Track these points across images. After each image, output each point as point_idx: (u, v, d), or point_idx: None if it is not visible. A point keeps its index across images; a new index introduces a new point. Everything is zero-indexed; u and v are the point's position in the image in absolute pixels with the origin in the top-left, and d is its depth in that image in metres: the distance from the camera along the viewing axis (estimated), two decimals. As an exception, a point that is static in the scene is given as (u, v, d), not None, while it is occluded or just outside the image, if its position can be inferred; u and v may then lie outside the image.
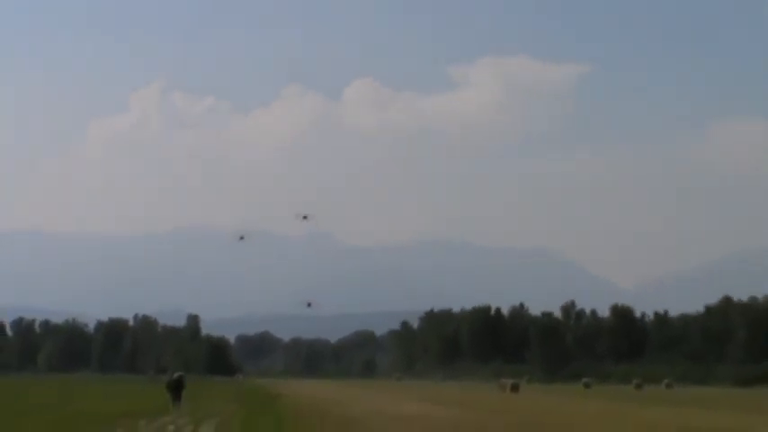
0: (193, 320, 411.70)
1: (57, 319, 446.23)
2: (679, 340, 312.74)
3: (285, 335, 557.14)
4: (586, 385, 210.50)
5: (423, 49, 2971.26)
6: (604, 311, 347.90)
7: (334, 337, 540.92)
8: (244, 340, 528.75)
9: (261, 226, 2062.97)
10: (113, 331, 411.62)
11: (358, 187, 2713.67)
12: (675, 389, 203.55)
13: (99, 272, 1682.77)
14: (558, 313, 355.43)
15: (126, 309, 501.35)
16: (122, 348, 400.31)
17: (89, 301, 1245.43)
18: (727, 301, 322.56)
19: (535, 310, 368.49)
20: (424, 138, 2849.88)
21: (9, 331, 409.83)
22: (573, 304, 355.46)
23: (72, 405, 78.06)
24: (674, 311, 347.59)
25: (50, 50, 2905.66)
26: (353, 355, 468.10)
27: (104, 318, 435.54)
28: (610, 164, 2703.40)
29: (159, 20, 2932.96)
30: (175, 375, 78.74)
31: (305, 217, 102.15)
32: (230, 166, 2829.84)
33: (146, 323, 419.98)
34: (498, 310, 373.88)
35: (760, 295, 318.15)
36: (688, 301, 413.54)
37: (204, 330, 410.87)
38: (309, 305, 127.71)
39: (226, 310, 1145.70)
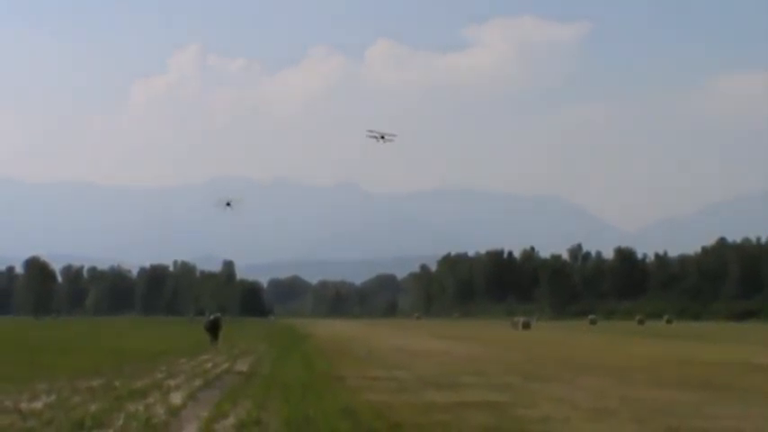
0: (229, 266, 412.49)
1: (102, 265, 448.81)
2: (678, 279, 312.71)
3: (313, 278, 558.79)
4: (592, 322, 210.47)
5: (438, 12, 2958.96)
6: (609, 253, 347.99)
7: (358, 280, 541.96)
8: (275, 284, 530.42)
9: (290, 176, 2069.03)
10: (155, 276, 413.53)
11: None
12: (675, 324, 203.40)
13: (141, 221, 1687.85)
14: (565, 255, 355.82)
15: (166, 255, 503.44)
16: (163, 292, 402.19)
17: (132, 249, 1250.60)
18: (722, 242, 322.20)
19: (544, 252, 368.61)
20: (441, 93, 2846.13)
21: (59, 277, 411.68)
22: (579, 247, 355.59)
23: (118, 344, 78.54)
24: (673, 253, 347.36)
25: (96, 18, 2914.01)
26: (376, 297, 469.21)
27: (146, 264, 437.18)
28: (614, 116, 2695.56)
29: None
30: (212, 317, 78.97)
31: (383, 137, 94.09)
32: (261, 121, 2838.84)
33: (185, 269, 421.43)
34: (510, 253, 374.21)
35: (753, 237, 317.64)
36: (686, 243, 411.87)
37: (239, 275, 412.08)
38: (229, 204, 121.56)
39: (259, 256, 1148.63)
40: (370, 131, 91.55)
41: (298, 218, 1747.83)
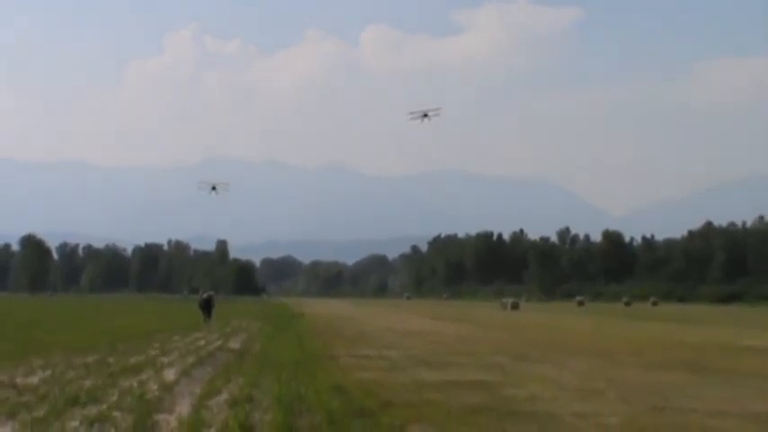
0: (222, 245, 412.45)
1: (98, 243, 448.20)
2: (664, 262, 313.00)
3: (306, 258, 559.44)
4: (580, 303, 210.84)
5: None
6: (597, 236, 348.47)
7: (350, 260, 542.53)
8: (268, 263, 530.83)
9: (284, 157, 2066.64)
10: (149, 255, 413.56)
11: (372, 122, 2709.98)
12: (661, 306, 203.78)
13: (136, 200, 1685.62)
14: (554, 238, 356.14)
15: (161, 234, 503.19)
16: (158, 270, 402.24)
17: (127, 227, 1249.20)
18: (708, 226, 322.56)
19: (533, 235, 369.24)
20: (433, 76, 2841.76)
21: (55, 255, 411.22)
22: (568, 230, 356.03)
23: (113, 321, 78.54)
24: (660, 236, 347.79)
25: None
26: (368, 277, 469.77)
27: (141, 243, 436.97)
28: (603, 100, 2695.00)
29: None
30: (206, 295, 78.87)
31: (425, 115, 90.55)
32: (256, 103, 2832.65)
33: (179, 248, 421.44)
34: (500, 235, 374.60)
35: (739, 221, 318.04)
36: (673, 227, 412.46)
37: (232, 254, 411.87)
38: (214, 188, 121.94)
39: (252, 236, 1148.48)
40: (412, 113, 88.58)
41: (291, 198, 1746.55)
